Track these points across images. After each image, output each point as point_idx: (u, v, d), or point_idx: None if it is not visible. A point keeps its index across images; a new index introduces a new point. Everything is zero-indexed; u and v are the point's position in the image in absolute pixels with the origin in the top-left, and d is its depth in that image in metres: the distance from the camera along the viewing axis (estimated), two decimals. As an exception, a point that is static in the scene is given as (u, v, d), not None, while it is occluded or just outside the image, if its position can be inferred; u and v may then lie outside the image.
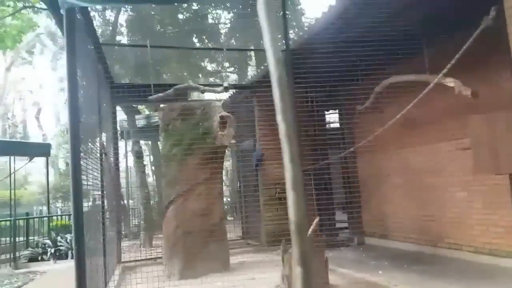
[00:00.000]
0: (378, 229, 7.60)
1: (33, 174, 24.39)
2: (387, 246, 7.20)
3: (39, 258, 8.85)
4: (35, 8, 16.40)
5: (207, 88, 5.89)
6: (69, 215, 13.85)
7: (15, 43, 17.00)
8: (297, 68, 5.66)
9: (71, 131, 3.39)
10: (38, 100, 29.82)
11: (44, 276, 6.66)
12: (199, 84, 6.15)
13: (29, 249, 9.29)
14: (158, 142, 12.70)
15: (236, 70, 17.09)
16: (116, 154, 7.05)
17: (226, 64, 18.35)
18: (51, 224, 12.19)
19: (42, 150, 12.49)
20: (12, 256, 8.99)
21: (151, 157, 14.53)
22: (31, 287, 5.91)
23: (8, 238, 11.21)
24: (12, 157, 12.30)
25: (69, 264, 8.03)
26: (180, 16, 16.39)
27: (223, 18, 17.65)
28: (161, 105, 6.36)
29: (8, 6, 13.72)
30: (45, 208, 17.18)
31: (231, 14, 16.89)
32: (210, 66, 17.95)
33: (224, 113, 6.20)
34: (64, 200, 16.60)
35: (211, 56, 17.05)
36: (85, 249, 3.33)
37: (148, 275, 5.37)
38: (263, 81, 7.00)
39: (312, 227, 4.59)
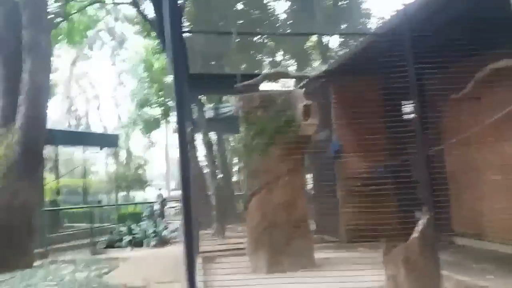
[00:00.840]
0: (471, 229, 6.98)
1: (95, 164, 25.64)
2: (483, 247, 6.59)
3: (115, 245, 9.13)
4: (100, 3, 16.96)
5: (297, 74, 5.62)
6: (142, 203, 14.32)
7: (82, 38, 17.78)
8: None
9: (179, 122, 3.33)
10: (98, 93, 31.27)
11: (127, 262, 6.79)
12: (289, 71, 5.90)
13: (106, 236, 9.61)
14: (227, 134, 12.68)
15: (297, 61, 16.71)
16: (194, 144, 7.00)
17: (278, 57, 18.07)
18: (119, 212, 12.60)
19: (111, 140, 12.98)
20: (90, 242, 9.36)
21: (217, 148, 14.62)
22: (120, 272, 6.01)
23: (81, 224, 11.73)
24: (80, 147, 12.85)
25: (146, 252, 8.19)
26: (239, 7, 16.26)
27: (280, 9, 17.32)
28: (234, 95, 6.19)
29: (77, 1, 14.25)
30: (109, 197, 17.93)
31: (289, 4, 16.54)
32: (265, 59, 17.72)
33: (307, 102, 5.92)
34: (128, 189, 17.22)
35: (269, 48, 16.82)
36: (193, 237, 3.26)
37: (232, 267, 5.23)
38: (347, 68, 6.64)
39: (421, 225, 4.22)
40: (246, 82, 5.24)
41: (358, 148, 7.30)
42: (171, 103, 16.28)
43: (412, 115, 8.82)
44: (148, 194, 19.85)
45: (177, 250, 8.20)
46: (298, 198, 5.84)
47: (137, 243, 8.81)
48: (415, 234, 4.26)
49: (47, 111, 7.72)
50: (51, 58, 8.86)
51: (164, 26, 5.06)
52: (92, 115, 29.64)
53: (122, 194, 18.06)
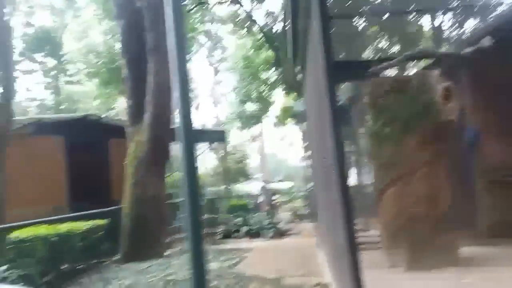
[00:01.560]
0: None
1: (198, 159, 27.05)
2: None
3: (232, 235, 9.40)
4: (201, 4, 17.63)
5: (444, 52, 5.08)
6: (246, 195, 14.72)
7: (193, 44, 18.81)
8: None
9: (332, 115, 3.15)
10: (198, 93, 33.00)
11: (252, 253, 6.87)
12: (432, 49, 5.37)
13: (222, 226, 9.96)
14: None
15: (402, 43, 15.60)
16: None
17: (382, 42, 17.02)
18: (228, 204, 13.00)
19: (219, 136, 13.50)
20: (207, 233, 9.76)
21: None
22: (249, 263, 6.08)
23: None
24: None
25: (265, 243, 8.28)
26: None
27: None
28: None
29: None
30: (214, 190, 18.70)
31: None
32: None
33: (448, 84, 5.33)
34: (232, 182, 17.82)
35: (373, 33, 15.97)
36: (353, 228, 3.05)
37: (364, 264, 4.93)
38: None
39: None
40: (384, 64, 4.85)
41: (500, 133, 6.44)
42: (272, 99, 16.41)
43: None
44: (250, 187, 20.33)
45: (296, 242, 8.16)
46: (441, 190, 5.30)
47: (254, 234, 8.95)
48: None
49: (171, 110, 8.15)
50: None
51: (293, 16, 4.90)
52: (194, 114, 31.44)
53: (224, 187, 18.75)
